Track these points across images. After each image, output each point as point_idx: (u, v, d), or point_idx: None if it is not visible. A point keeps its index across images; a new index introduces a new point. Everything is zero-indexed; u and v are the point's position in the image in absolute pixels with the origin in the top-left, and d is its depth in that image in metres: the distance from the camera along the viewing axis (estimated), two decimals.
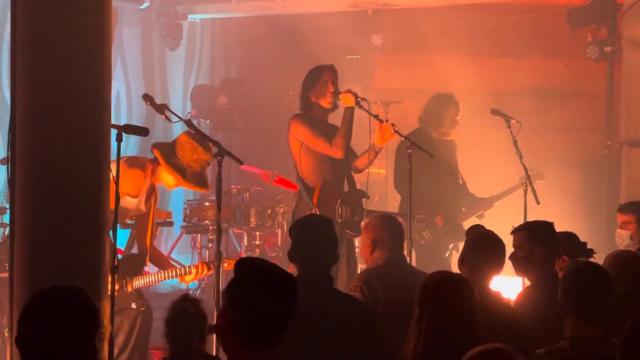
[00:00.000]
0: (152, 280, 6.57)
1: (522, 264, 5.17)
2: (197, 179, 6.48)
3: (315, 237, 4.68)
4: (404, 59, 11.87)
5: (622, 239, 6.77)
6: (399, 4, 10.49)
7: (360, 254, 5.99)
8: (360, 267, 7.03)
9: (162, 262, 6.94)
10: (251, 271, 3.14)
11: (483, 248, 4.84)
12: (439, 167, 7.90)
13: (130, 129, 5.40)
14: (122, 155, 5.50)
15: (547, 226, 5.30)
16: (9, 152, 5.05)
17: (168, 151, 6.43)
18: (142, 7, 11.16)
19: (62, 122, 4.97)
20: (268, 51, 11.72)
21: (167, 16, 11.57)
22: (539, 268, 5.14)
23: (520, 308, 4.95)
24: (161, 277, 6.56)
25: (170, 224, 7.95)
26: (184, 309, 4.36)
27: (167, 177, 6.48)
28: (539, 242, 5.16)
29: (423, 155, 6.92)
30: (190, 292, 8.85)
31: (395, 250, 5.53)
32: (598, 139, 10.28)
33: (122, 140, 5.21)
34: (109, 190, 5.29)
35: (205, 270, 6.36)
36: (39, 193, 5.02)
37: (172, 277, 6.58)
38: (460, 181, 8.24)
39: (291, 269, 4.91)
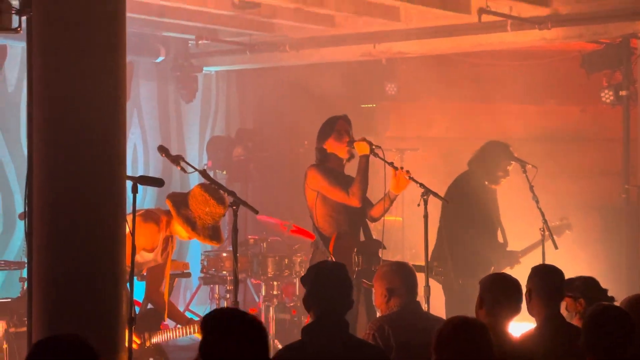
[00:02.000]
0: (170, 336, 6.56)
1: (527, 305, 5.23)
2: (208, 232, 6.45)
3: (328, 282, 4.66)
4: (418, 106, 11.91)
5: None
6: (412, 52, 10.54)
7: (375, 305, 5.95)
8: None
9: (178, 316, 6.91)
10: (218, 323, 3.16)
11: (500, 291, 4.83)
12: (479, 217, 7.83)
13: (145, 180, 5.43)
14: (139, 207, 5.52)
15: (543, 269, 5.37)
16: (27, 207, 5.07)
17: (180, 202, 6.43)
18: (157, 60, 11.26)
19: (78, 176, 4.99)
20: (283, 101, 11.79)
21: (182, 69, 11.69)
22: (538, 311, 5.17)
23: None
24: (179, 333, 6.55)
25: (188, 275, 7.95)
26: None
27: (179, 229, 6.47)
28: (535, 285, 5.20)
29: (460, 203, 6.93)
30: None
31: (409, 296, 5.51)
32: (615, 183, 10.23)
33: (137, 192, 5.23)
34: (125, 243, 5.29)
35: None
36: (56, 247, 5.02)
37: (190, 333, 6.56)
38: (501, 239, 8.08)
39: (308, 318, 4.87)
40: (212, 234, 6.48)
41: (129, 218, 5.31)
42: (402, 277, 5.55)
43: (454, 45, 10.27)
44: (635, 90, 9.62)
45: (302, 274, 9.12)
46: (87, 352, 3.20)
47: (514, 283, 4.96)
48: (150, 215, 6.48)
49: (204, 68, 11.94)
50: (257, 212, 5.90)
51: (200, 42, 11.12)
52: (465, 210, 7.56)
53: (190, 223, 6.36)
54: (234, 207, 5.73)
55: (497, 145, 8.04)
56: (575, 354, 4.44)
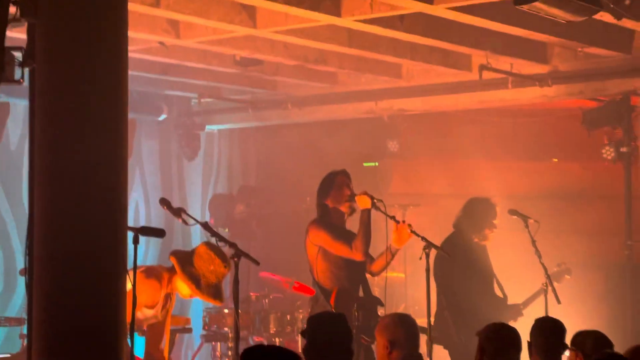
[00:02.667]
0: None
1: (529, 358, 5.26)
2: (211, 290, 6.43)
3: (328, 332, 4.65)
4: (420, 164, 11.94)
5: None
6: (414, 109, 10.61)
7: (377, 358, 5.90)
8: None
9: None
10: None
11: (501, 340, 4.85)
12: (475, 274, 7.83)
13: (147, 230, 5.44)
14: (141, 263, 5.51)
15: (545, 323, 5.43)
16: (27, 260, 5.06)
17: (185, 259, 6.42)
18: (160, 118, 11.33)
19: (78, 227, 4.98)
20: (285, 159, 11.82)
21: (185, 127, 11.75)
22: None
23: None
24: None
25: (189, 330, 7.90)
26: None
27: (182, 286, 6.45)
28: (537, 338, 5.26)
29: (459, 263, 6.94)
30: None
31: (411, 348, 5.48)
32: (618, 240, 10.20)
33: (139, 242, 5.22)
34: (126, 297, 5.27)
35: None
36: (56, 301, 4.99)
37: None
38: (500, 294, 8.08)
39: None
40: (215, 292, 6.46)
41: (130, 272, 5.29)
42: (404, 329, 5.53)
43: (455, 103, 10.34)
44: (636, 147, 9.65)
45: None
46: None
47: (513, 332, 5.02)
48: (152, 272, 6.46)
49: (207, 126, 12.00)
50: (258, 264, 5.90)
51: (202, 100, 11.20)
52: (458, 267, 7.56)
53: (195, 281, 6.35)
54: (236, 259, 5.72)
55: (479, 202, 8.11)
56: None
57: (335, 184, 7.16)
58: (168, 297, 6.62)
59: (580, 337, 5.51)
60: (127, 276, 5.27)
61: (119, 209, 5.12)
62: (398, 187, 11.85)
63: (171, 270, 6.48)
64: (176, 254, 6.53)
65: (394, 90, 10.46)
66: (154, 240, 10.73)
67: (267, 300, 9.61)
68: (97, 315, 5.02)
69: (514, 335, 5.02)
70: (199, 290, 6.34)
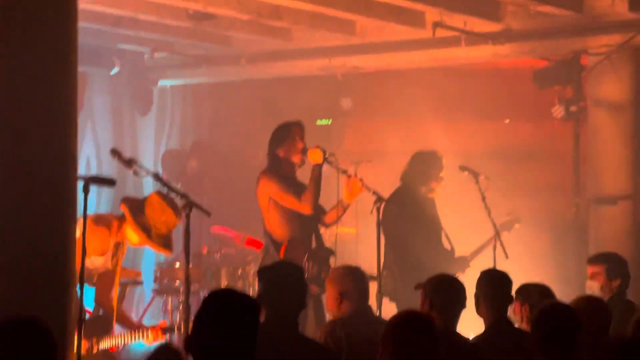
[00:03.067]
0: (120, 342, 6.48)
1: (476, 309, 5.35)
2: (161, 240, 6.41)
3: (284, 282, 4.68)
4: (373, 121, 11.97)
5: (592, 291, 6.78)
6: (368, 67, 10.62)
7: (327, 308, 5.97)
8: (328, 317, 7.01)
9: (127, 322, 6.84)
10: (214, 299, 3.16)
11: (448, 292, 4.97)
12: (423, 226, 7.91)
13: (97, 180, 5.41)
14: (95, 208, 5.49)
15: (491, 275, 5.53)
16: None
17: (136, 208, 6.39)
18: (112, 72, 11.21)
19: (27, 174, 4.95)
20: (237, 115, 11.80)
21: (137, 82, 11.63)
22: (486, 315, 5.31)
23: None
24: (129, 338, 6.46)
25: (139, 283, 7.90)
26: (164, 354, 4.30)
27: (131, 234, 6.42)
28: (483, 290, 5.34)
29: (407, 215, 7.00)
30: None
31: (361, 300, 5.54)
32: (566, 199, 10.34)
33: (89, 192, 5.20)
34: (75, 244, 5.26)
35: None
36: (4, 245, 4.98)
37: (140, 338, 6.49)
38: (448, 246, 8.18)
39: None
40: (165, 242, 6.45)
41: (80, 221, 5.27)
42: (354, 280, 5.58)
43: (409, 60, 10.37)
44: (585, 106, 9.75)
45: (256, 285, 9.17)
46: (46, 336, 3.20)
47: (459, 283, 5.14)
48: (101, 219, 6.43)
49: (160, 82, 11.91)
50: (209, 215, 5.92)
51: (155, 54, 11.10)
52: (406, 219, 7.64)
53: (146, 230, 6.33)
54: (187, 210, 5.72)
55: (425, 154, 8.19)
56: (523, 356, 4.50)
57: (289, 135, 7.18)
58: (118, 245, 6.59)
59: (525, 289, 5.62)
60: (77, 225, 5.26)
61: (67, 157, 5.10)
62: (351, 145, 11.88)
63: (121, 218, 6.45)
64: (127, 201, 6.50)
65: (348, 48, 10.44)
66: (105, 195, 10.69)
67: (218, 255, 9.63)
68: (46, 263, 5.02)
69: (460, 286, 5.13)
70: (149, 239, 6.32)
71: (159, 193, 6.36)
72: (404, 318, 3.91)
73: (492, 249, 7.79)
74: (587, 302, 5.17)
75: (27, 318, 3.25)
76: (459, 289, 5.13)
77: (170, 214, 6.32)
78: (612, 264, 6.74)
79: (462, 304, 5.12)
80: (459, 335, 4.97)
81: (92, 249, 6.17)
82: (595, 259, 6.90)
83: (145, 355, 4.50)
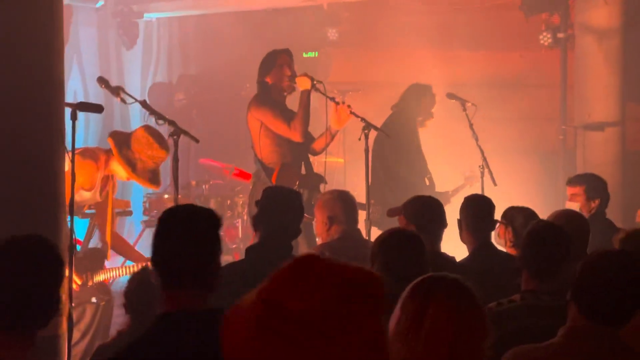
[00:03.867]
0: (114, 275, 6.49)
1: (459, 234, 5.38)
2: (148, 174, 6.37)
3: (282, 205, 4.69)
4: (360, 52, 11.94)
5: None
6: None
7: (316, 233, 6.00)
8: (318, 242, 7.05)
9: (128, 251, 6.85)
10: (165, 214, 3.18)
11: (427, 211, 5.00)
12: (410, 156, 7.93)
13: (84, 106, 5.39)
14: (84, 140, 5.47)
15: (473, 199, 5.50)
16: None
17: (122, 142, 6.35)
18: (97, 5, 11.11)
19: (15, 101, 4.94)
20: (224, 47, 11.72)
21: (123, 15, 11.52)
22: (469, 240, 5.31)
23: None
24: (122, 272, 6.47)
25: (129, 213, 7.87)
26: (145, 279, 4.33)
27: (118, 168, 6.38)
28: (466, 215, 5.32)
29: (395, 143, 7.00)
30: None
31: (349, 224, 5.57)
32: (554, 127, 10.38)
33: (76, 119, 5.18)
34: (64, 173, 5.25)
35: None
36: None
37: (133, 272, 6.50)
38: (427, 181, 8.20)
39: (253, 238, 4.90)
40: (152, 177, 6.41)
41: (68, 157, 5.26)
42: (342, 205, 5.61)
43: None
44: (573, 34, 9.74)
45: (245, 215, 9.22)
46: (54, 253, 3.23)
47: (437, 202, 5.19)
48: (88, 153, 6.39)
49: (145, 15, 11.81)
50: (197, 141, 5.92)
51: None
52: (394, 149, 7.66)
53: (131, 164, 6.29)
54: (175, 137, 5.71)
55: (420, 87, 8.17)
56: (507, 280, 4.52)
57: (277, 63, 7.15)
58: (107, 178, 6.58)
59: (509, 212, 5.63)
60: (67, 155, 5.25)
61: (54, 84, 5.08)
62: (338, 75, 11.86)
63: (108, 152, 6.41)
64: (114, 135, 6.46)
65: None
66: (93, 125, 10.68)
67: (207, 186, 9.63)
68: (34, 193, 5.02)
69: (439, 205, 5.17)
70: (134, 174, 6.29)
71: (145, 128, 6.32)
72: (393, 232, 3.95)
73: (481, 176, 7.79)
74: (566, 215, 5.21)
75: (35, 235, 3.28)
76: (439, 207, 5.14)
77: (156, 148, 6.28)
78: (590, 184, 6.77)
79: (443, 223, 5.13)
80: (444, 254, 5.01)
81: (79, 182, 6.15)
82: (574, 180, 6.94)
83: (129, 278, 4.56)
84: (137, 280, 4.39)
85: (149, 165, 6.33)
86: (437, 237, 4.97)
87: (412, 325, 2.56)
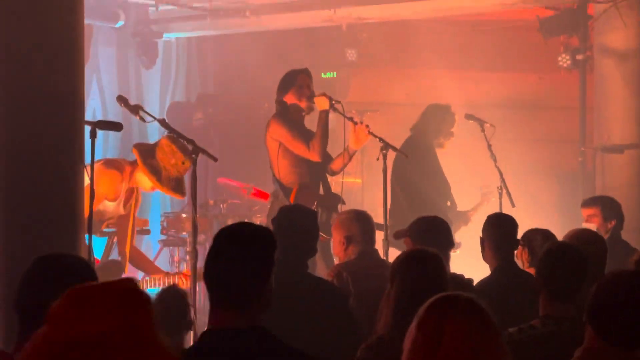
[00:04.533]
0: None
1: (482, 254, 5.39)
2: (172, 183, 6.41)
3: (297, 224, 4.69)
4: (379, 73, 11.95)
5: None
6: (372, 17, 10.56)
7: (334, 253, 5.99)
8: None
9: (146, 265, 6.86)
10: (220, 235, 3.18)
11: (433, 231, 5.03)
12: (430, 177, 7.93)
13: (103, 124, 5.44)
14: (102, 156, 5.50)
15: (495, 218, 5.55)
16: None
17: (147, 152, 6.41)
18: (117, 25, 11.18)
19: (35, 119, 4.98)
20: (243, 67, 11.76)
21: (142, 35, 11.59)
22: (491, 259, 5.33)
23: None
24: (142, 285, 6.47)
25: (147, 232, 7.90)
26: (168, 300, 4.34)
27: (143, 179, 6.44)
28: (488, 234, 5.35)
29: (415, 165, 7.01)
30: None
31: (367, 244, 5.55)
32: (572, 149, 10.34)
33: (96, 136, 5.21)
34: (84, 189, 5.28)
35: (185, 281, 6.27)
36: (11, 190, 5.01)
37: (154, 286, 6.50)
38: (448, 202, 8.20)
39: None
40: (176, 186, 6.46)
41: (88, 167, 5.29)
42: (360, 224, 5.60)
43: (414, 11, 10.31)
44: (592, 55, 9.73)
45: None
46: (90, 272, 3.23)
47: (443, 222, 5.28)
48: (112, 163, 6.45)
49: (165, 35, 11.87)
50: (216, 160, 5.93)
51: (160, 7, 11.05)
52: (416, 168, 7.68)
53: (156, 173, 6.34)
54: (194, 156, 5.73)
55: (439, 108, 8.18)
56: (529, 299, 4.50)
57: (296, 82, 7.17)
58: (132, 191, 6.61)
59: (529, 233, 5.63)
60: (86, 171, 5.27)
61: (75, 102, 5.11)
62: (356, 96, 11.86)
63: (133, 164, 6.47)
64: (138, 146, 6.53)
65: None
66: (112, 144, 10.72)
67: (224, 205, 9.63)
68: (54, 208, 5.05)
69: (446, 225, 5.23)
70: (159, 182, 6.34)
71: (169, 137, 6.37)
72: (413, 251, 3.94)
73: (499, 197, 7.77)
74: (583, 235, 5.21)
75: (72, 255, 3.31)
76: (444, 227, 5.17)
77: (180, 157, 6.33)
78: (606, 205, 6.80)
79: (450, 243, 5.14)
80: (455, 274, 4.99)
81: (103, 192, 6.19)
82: (589, 202, 6.95)
83: (153, 297, 4.56)
84: (161, 299, 4.39)
85: (172, 174, 6.38)
86: (445, 258, 4.95)
87: (430, 344, 2.55)
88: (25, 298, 3.14)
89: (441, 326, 2.56)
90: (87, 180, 5.36)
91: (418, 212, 7.66)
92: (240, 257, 3.07)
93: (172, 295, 4.49)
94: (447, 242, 5.05)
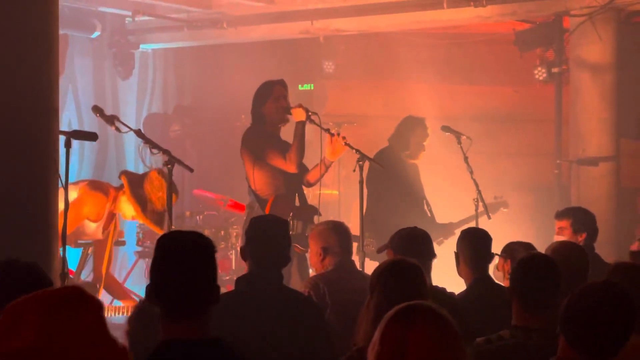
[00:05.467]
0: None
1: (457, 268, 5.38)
2: (155, 216, 6.42)
3: (268, 234, 4.66)
4: (356, 85, 11.97)
5: None
6: (350, 29, 10.57)
7: (310, 264, 5.96)
8: (312, 274, 7.01)
9: (118, 291, 6.82)
10: (162, 241, 3.15)
11: (413, 243, 5.02)
12: (404, 189, 7.92)
13: (79, 134, 5.40)
14: (74, 169, 5.47)
15: (470, 233, 5.51)
16: None
17: (135, 181, 6.41)
18: (93, 36, 11.13)
19: (10, 128, 4.95)
20: (220, 79, 11.75)
21: (119, 46, 11.56)
22: (467, 273, 5.32)
23: None
24: (111, 312, 6.40)
25: (122, 243, 7.87)
26: (147, 308, 4.29)
27: (126, 207, 6.43)
28: (463, 248, 5.34)
29: (390, 175, 6.98)
30: None
31: (344, 254, 5.53)
32: (548, 162, 10.38)
33: (71, 146, 5.18)
34: (57, 201, 5.24)
35: None
36: None
37: (123, 313, 6.44)
38: (428, 213, 8.19)
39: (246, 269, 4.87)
40: (158, 219, 6.46)
41: (72, 188, 5.28)
42: (337, 235, 5.57)
43: (391, 23, 10.33)
44: (568, 69, 9.78)
45: (238, 247, 9.18)
46: (45, 278, 3.20)
47: (424, 233, 5.21)
48: (98, 185, 6.44)
49: (141, 45, 11.85)
50: (192, 170, 5.92)
51: (137, 18, 11.02)
52: (389, 181, 7.67)
53: (142, 203, 6.34)
54: (169, 166, 5.71)
55: (412, 120, 8.21)
56: (503, 313, 4.49)
57: (272, 94, 7.15)
58: (112, 216, 6.59)
59: (509, 246, 5.63)
60: (61, 184, 5.24)
61: (49, 111, 5.08)
62: (333, 108, 11.87)
63: (118, 189, 6.47)
64: (127, 174, 6.53)
65: (330, 10, 10.40)
66: (87, 155, 10.66)
67: (201, 217, 9.60)
68: (28, 219, 5.01)
69: (426, 236, 5.17)
70: (143, 213, 6.33)
71: (159, 171, 6.38)
72: (392, 261, 3.93)
73: (475, 209, 7.77)
74: (565, 247, 5.20)
75: (27, 261, 3.26)
76: (426, 238, 5.13)
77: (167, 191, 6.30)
78: (578, 217, 6.74)
79: (431, 254, 5.10)
80: (437, 287, 4.98)
81: (86, 212, 6.19)
82: (561, 214, 6.93)
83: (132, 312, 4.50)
84: (140, 308, 4.34)
85: (157, 207, 6.38)
86: (426, 269, 4.94)
87: (394, 356, 2.54)
88: None
89: (405, 337, 2.55)
90: (72, 196, 5.34)
91: (393, 222, 7.68)
92: (191, 265, 3.04)
93: (149, 309, 4.43)
94: (428, 253, 5.04)
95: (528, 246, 5.57)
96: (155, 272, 3.08)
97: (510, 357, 3.93)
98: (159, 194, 6.31)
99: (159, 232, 6.72)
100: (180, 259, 3.06)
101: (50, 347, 1.80)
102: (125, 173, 6.51)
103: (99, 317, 1.94)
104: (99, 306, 1.96)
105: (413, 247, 4.95)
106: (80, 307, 1.90)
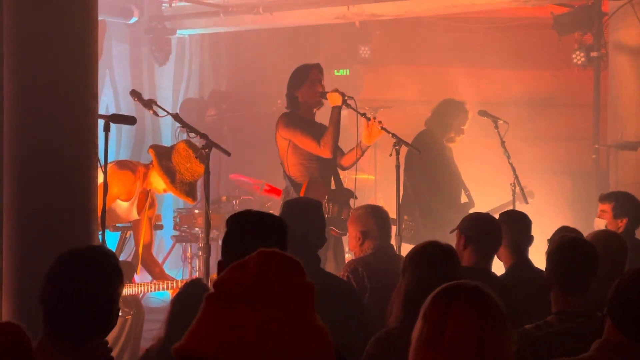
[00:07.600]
0: (140, 290, 6.47)
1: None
2: (185, 187, 6.40)
3: (302, 216, 4.66)
4: (392, 70, 11.93)
5: (599, 228, 6.75)
6: (386, 14, 10.53)
7: (349, 248, 5.96)
8: (347, 259, 7.01)
9: (156, 272, 6.86)
10: (237, 219, 3.19)
11: (486, 228, 4.96)
12: (446, 172, 7.88)
13: (117, 118, 5.43)
14: (112, 152, 5.50)
15: (510, 216, 5.46)
16: None
17: (163, 154, 6.40)
18: (130, 21, 11.19)
19: (49, 113, 4.99)
20: (256, 64, 11.78)
21: (156, 32, 11.61)
22: (506, 257, 5.27)
23: None
24: (151, 288, 6.46)
25: (160, 227, 7.91)
26: (190, 292, 4.32)
27: (156, 180, 6.42)
28: (503, 231, 5.22)
29: (430, 159, 6.95)
30: None
31: (382, 239, 5.53)
32: (586, 147, 10.30)
33: (109, 130, 5.21)
34: (97, 185, 5.28)
35: None
36: (25, 184, 5.02)
37: (162, 289, 6.49)
38: (467, 198, 8.14)
39: None
40: (189, 190, 6.44)
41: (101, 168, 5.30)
42: (376, 220, 5.57)
43: (427, 8, 10.28)
44: (606, 53, 9.68)
45: None
46: (114, 264, 3.24)
47: (495, 220, 5.08)
48: (125, 164, 6.44)
49: (178, 31, 11.89)
50: (229, 154, 5.91)
51: (174, 4, 11.07)
52: (427, 165, 7.61)
53: (170, 175, 6.33)
54: (207, 150, 5.72)
55: (453, 103, 8.11)
56: (542, 299, 4.47)
57: (307, 77, 7.13)
58: (146, 194, 6.60)
59: (560, 231, 5.56)
60: (100, 168, 5.28)
61: (88, 96, 5.12)
62: (369, 93, 11.85)
63: (147, 166, 6.47)
64: (155, 147, 6.52)
65: None
66: (125, 138, 10.72)
67: (237, 202, 9.63)
68: (68, 203, 5.05)
69: (497, 224, 5.07)
70: (172, 185, 6.32)
71: (187, 142, 6.37)
72: (425, 245, 3.92)
73: (512, 194, 7.72)
74: (605, 235, 5.16)
75: (97, 246, 3.32)
76: (496, 226, 5.04)
77: (195, 162, 6.31)
78: (619, 202, 6.66)
79: (498, 242, 5.04)
80: (492, 273, 4.94)
81: (115, 192, 6.18)
82: (604, 197, 6.86)
83: (175, 294, 4.53)
84: (183, 291, 4.37)
85: (186, 178, 6.37)
86: (489, 255, 4.89)
87: (435, 334, 2.54)
88: (49, 293, 3.15)
89: (445, 315, 2.55)
90: (101, 178, 5.37)
91: (428, 208, 7.66)
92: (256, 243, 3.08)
93: (197, 287, 4.45)
94: (495, 239, 4.97)
95: (576, 233, 5.49)
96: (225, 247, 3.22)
97: (561, 341, 3.91)
98: (187, 164, 6.31)
99: (191, 203, 6.75)
100: (256, 232, 3.19)
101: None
102: (153, 147, 6.50)
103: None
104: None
105: (478, 230, 4.92)
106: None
